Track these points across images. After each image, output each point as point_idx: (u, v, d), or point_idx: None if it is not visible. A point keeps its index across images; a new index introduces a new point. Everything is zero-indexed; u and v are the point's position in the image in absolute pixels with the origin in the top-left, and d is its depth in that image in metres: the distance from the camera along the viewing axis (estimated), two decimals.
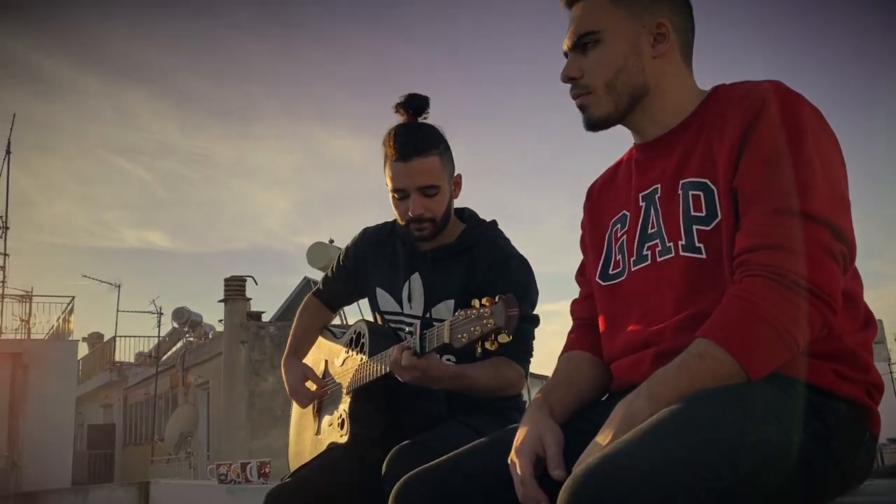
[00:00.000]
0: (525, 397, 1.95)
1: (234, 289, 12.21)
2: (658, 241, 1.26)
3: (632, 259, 1.31)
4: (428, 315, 1.90)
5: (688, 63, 1.34)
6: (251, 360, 11.72)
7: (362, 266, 2.07)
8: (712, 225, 1.18)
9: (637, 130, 1.36)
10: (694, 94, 1.32)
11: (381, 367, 1.78)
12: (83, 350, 22.85)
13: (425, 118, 1.95)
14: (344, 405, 1.92)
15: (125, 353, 20.60)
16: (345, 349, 2.02)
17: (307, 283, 14.21)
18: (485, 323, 1.44)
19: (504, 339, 1.41)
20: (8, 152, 15.65)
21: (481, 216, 2.03)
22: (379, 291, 2.02)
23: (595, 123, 1.32)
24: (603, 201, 1.45)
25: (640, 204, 1.32)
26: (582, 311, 1.47)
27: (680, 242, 1.22)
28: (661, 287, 1.24)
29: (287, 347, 2.16)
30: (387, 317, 2.01)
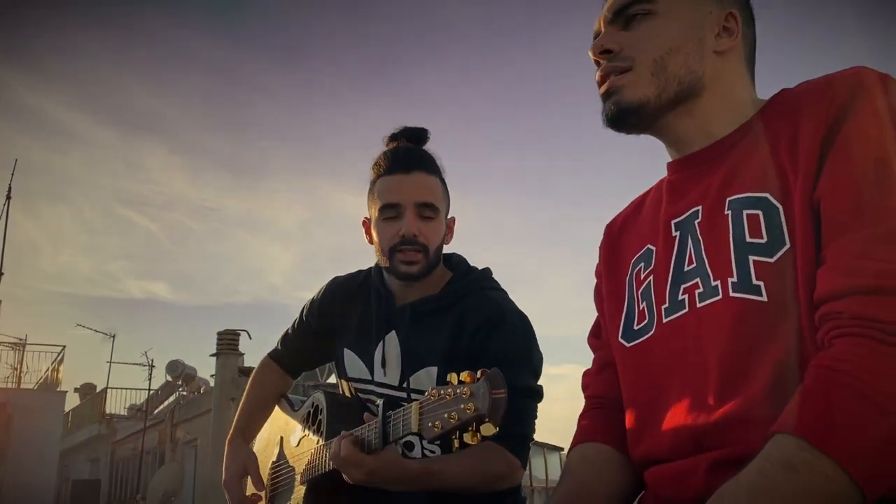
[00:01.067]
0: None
1: (227, 343, 11.80)
2: (698, 279, 0.94)
3: (663, 307, 0.98)
4: (405, 385, 1.55)
5: (751, 71, 1.07)
6: None
7: (328, 322, 1.73)
8: (777, 255, 0.86)
9: (674, 140, 1.06)
10: (752, 104, 1.03)
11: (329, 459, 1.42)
12: (74, 400, 22.35)
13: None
14: (297, 497, 1.55)
15: (118, 405, 20.07)
16: (301, 425, 1.66)
17: None
18: (463, 408, 1.09)
19: (489, 429, 1.07)
20: (8, 198, 15.46)
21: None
22: (347, 354, 1.67)
23: (625, 110, 1.01)
24: (624, 240, 1.14)
25: (673, 234, 1.00)
26: (598, 387, 1.13)
27: (730, 280, 0.90)
28: (705, 345, 0.91)
29: (234, 423, 1.80)
30: (355, 385, 1.66)
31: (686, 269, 0.97)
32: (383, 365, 1.59)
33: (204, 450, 12.38)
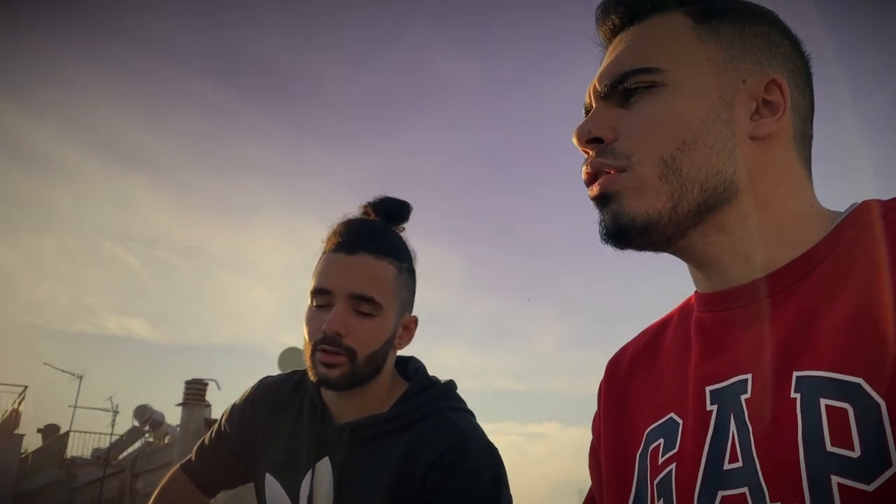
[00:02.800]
0: None
1: (195, 393, 11.31)
2: (746, 490, 0.62)
3: None
4: None
5: (805, 160, 0.75)
6: None
7: (250, 437, 1.38)
8: (879, 481, 0.55)
9: (705, 267, 0.74)
10: (817, 215, 0.72)
11: None
12: (36, 441, 21.53)
13: (399, 230, 1.33)
14: None
15: (82, 447, 19.28)
16: None
17: None
18: None
19: None
20: None
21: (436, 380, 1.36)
22: (269, 482, 1.32)
23: (627, 228, 0.71)
24: (634, 391, 0.81)
25: (709, 407, 0.69)
26: None
27: None
28: None
29: None
30: None
31: (727, 467, 0.64)
32: (310, 501, 1.24)
33: None
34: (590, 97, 0.78)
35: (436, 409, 1.26)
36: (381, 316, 1.23)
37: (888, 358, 0.57)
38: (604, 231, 0.73)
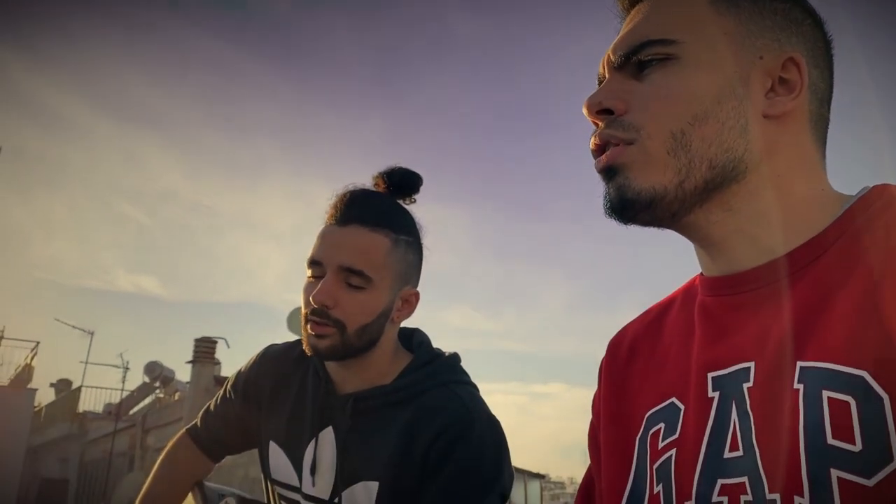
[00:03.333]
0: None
1: (204, 351, 11.44)
2: (746, 479, 0.61)
3: (687, 503, 0.65)
4: (337, 500, 1.21)
5: (819, 142, 0.73)
6: None
7: (254, 405, 1.39)
8: (879, 476, 0.54)
9: (706, 245, 0.73)
10: (828, 198, 0.70)
11: None
12: (49, 396, 21.88)
13: (407, 203, 1.31)
14: None
15: (94, 402, 19.60)
16: None
17: None
18: None
19: None
20: None
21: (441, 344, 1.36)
22: (273, 450, 1.33)
23: (632, 202, 0.69)
24: (635, 373, 0.80)
25: (710, 394, 0.67)
26: None
27: (798, 500, 0.57)
28: None
29: None
30: (279, 491, 1.32)
31: (727, 455, 0.63)
32: (313, 472, 1.24)
33: None
34: (603, 68, 0.75)
35: (439, 382, 1.25)
36: (372, 289, 1.21)
37: (893, 351, 0.56)
38: (608, 204, 0.71)
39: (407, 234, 1.27)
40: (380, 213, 1.25)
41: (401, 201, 1.31)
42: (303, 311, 1.24)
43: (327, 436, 1.25)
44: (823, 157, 0.73)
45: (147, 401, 18.47)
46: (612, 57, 0.73)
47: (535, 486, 15.24)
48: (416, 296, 1.30)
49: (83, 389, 19.27)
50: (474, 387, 1.30)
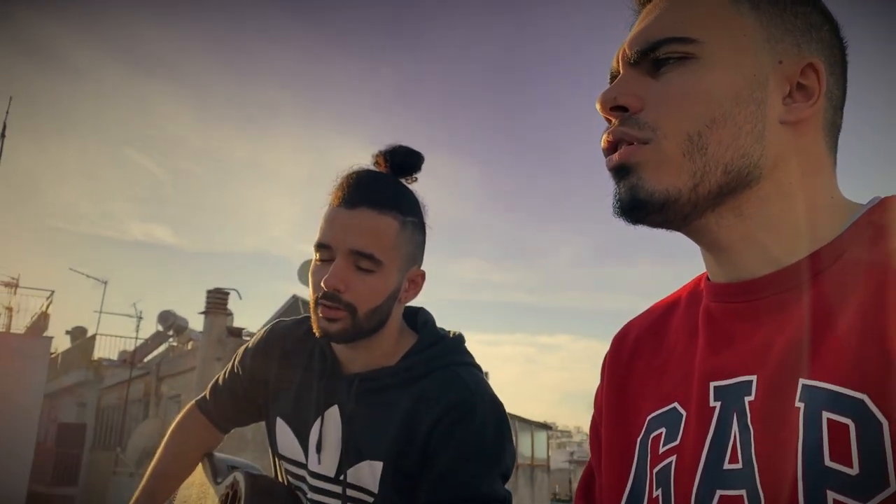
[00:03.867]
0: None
1: (216, 302, 11.55)
2: (744, 493, 0.62)
3: None
4: (342, 478, 1.24)
5: (832, 150, 0.72)
6: None
7: (262, 380, 1.40)
8: (874, 501, 0.54)
9: (718, 253, 0.72)
10: (838, 207, 0.70)
11: None
12: (65, 343, 22.25)
13: (409, 182, 1.31)
14: None
15: (109, 351, 19.92)
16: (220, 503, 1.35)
17: (295, 301, 13.58)
18: None
19: None
20: (2, 136, 15.10)
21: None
22: (280, 427, 1.35)
23: (644, 203, 0.68)
24: (637, 372, 0.80)
25: (712, 403, 0.67)
26: None
27: None
28: None
29: (141, 485, 1.48)
30: (286, 466, 1.34)
31: (727, 466, 0.64)
32: (319, 450, 1.27)
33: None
34: (618, 62, 0.74)
35: (443, 363, 1.27)
36: (382, 272, 1.22)
37: (894, 375, 0.56)
38: (618, 204, 0.69)
39: (413, 215, 1.27)
40: (388, 195, 1.25)
41: (402, 180, 1.30)
42: (312, 294, 1.24)
43: (333, 415, 1.27)
44: (835, 164, 0.72)
45: (161, 349, 18.75)
46: (627, 52, 0.72)
47: (541, 436, 15.46)
48: (423, 276, 1.31)
49: (98, 337, 19.59)
50: (478, 368, 1.31)
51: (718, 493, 0.63)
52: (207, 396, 1.51)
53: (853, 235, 0.66)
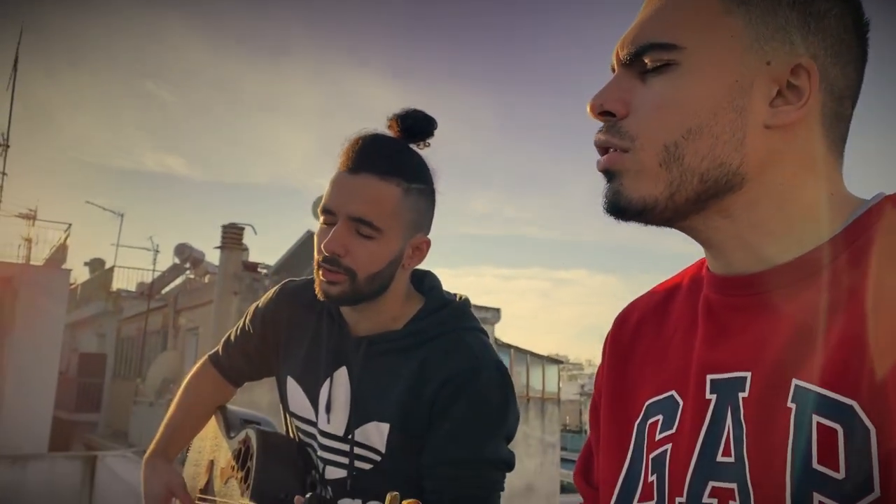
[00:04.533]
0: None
1: (231, 237, 11.65)
2: (735, 486, 0.63)
3: (678, 499, 0.68)
4: (350, 437, 1.27)
5: (834, 143, 0.70)
6: (242, 313, 11.21)
7: (272, 339, 1.43)
8: None
9: (710, 250, 0.73)
10: (838, 204, 0.69)
11: None
12: (84, 275, 22.60)
13: (420, 148, 1.30)
14: None
15: (127, 283, 20.25)
16: (232, 460, 1.39)
17: (309, 236, 13.65)
18: None
19: None
20: (14, 69, 15.03)
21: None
22: (290, 385, 1.38)
23: (623, 209, 0.70)
24: (638, 355, 0.81)
25: (708, 396, 0.69)
26: None
27: None
28: None
29: (156, 437, 1.53)
30: (297, 424, 1.38)
31: (719, 459, 0.65)
32: (328, 410, 1.30)
33: (205, 339, 12.46)
34: (614, 61, 0.74)
35: (449, 329, 1.28)
36: (382, 238, 1.23)
37: (884, 383, 0.56)
38: (605, 204, 0.72)
39: (419, 181, 1.27)
40: (391, 161, 1.24)
41: (414, 146, 1.30)
42: (315, 257, 1.26)
43: (341, 376, 1.30)
44: (839, 157, 0.70)
45: (178, 281, 19.02)
46: (620, 51, 0.72)
47: (552, 370, 15.69)
48: (427, 243, 1.31)
49: (116, 269, 19.87)
50: (483, 332, 1.33)
51: (711, 484, 0.65)
52: (220, 352, 1.54)
53: (851, 235, 0.66)
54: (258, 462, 1.29)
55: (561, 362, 18.04)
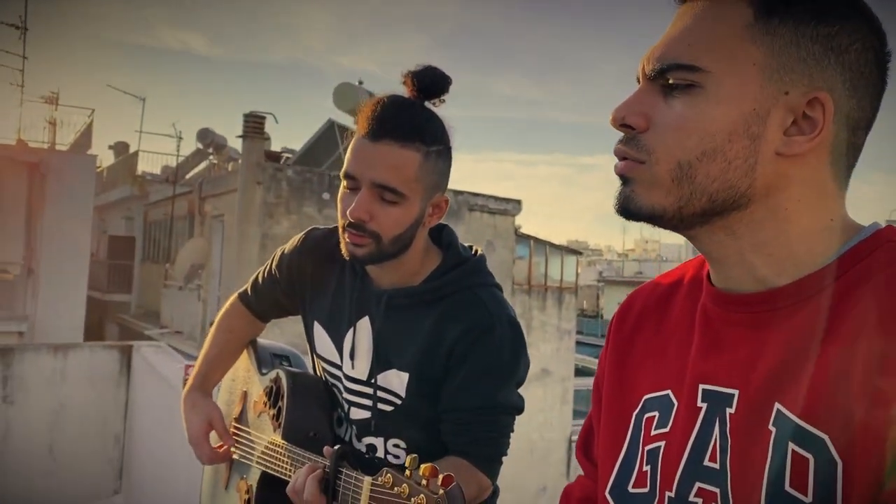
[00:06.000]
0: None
1: (253, 126, 11.62)
2: (718, 491, 0.72)
3: (667, 493, 0.77)
4: (373, 381, 1.38)
5: (840, 172, 0.74)
6: (266, 203, 11.35)
7: (298, 285, 1.53)
8: None
9: (710, 262, 0.79)
10: (837, 232, 0.73)
11: (290, 471, 1.31)
12: (108, 159, 22.79)
13: (435, 105, 1.34)
14: (253, 479, 1.45)
15: (151, 168, 20.44)
16: (263, 396, 1.52)
17: (331, 125, 13.60)
18: None
19: None
20: None
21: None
22: (317, 329, 1.49)
23: (633, 213, 0.76)
24: (639, 346, 0.88)
25: (699, 404, 0.76)
26: None
27: None
28: None
29: (194, 371, 1.65)
30: (323, 365, 1.49)
31: (706, 463, 0.73)
32: (352, 357, 1.41)
33: (230, 227, 12.69)
34: (640, 71, 0.76)
35: (465, 285, 1.36)
36: (405, 203, 1.29)
37: (855, 420, 0.62)
38: (616, 205, 0.77)
39: (437, 143, 1.32)
40: (411, 127, 1.29)
41: (429, 104, 1.34)
42: (340, 220, 1.33)
43: (364, 325, 1.40)
44: (844, 185, 0.74)
45: (202, 166, 19.15)
46: (646, 63, 0.75)
47: (571, 260, 15.89)
48: (446, 201, 1.38)
49: (140, 154, 20.02)
50: (498, 288, 1.41)
51: (697, 484, 0.74)
52: (249, 292, 1.64)
53: (844, 265, 0.70)
54: (289, 402, 1.41)
55: (580, 253, 18.22)
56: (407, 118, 1.30)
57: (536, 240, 14.96)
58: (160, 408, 4.71)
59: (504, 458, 1.36)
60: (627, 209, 0.75)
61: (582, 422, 1.02)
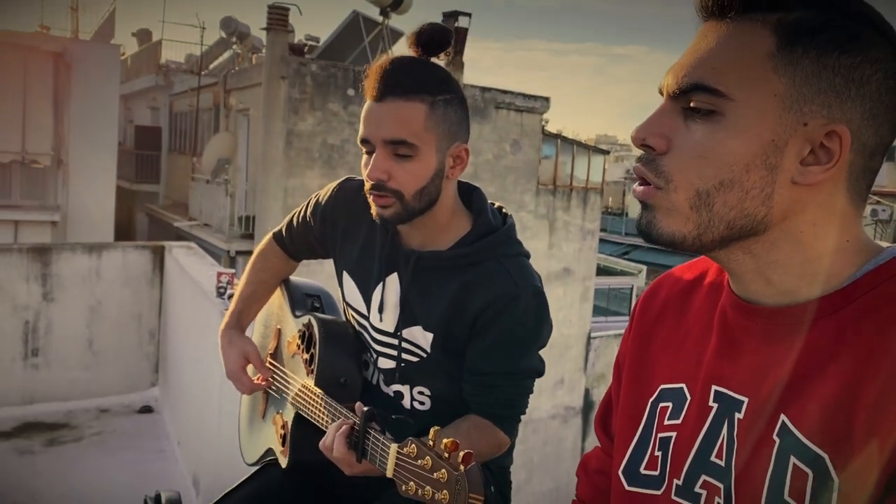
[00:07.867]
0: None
1: (277, 18, 11.38)
2: (722, 486, 0.78)
3: (675, 481, 0.83)
4: (399, 334, 1.45)
5: (857, 195, 0.75)
6: (291, 98, 11.26)
7: (331, 234, 1.58)
8: None
9: (733, 276, 0.81)
10: (854, 252, 0.75)
11: (322, 418, 1.40)
12: (132, 47, 22.52)
13: (442, 59, 1.36)
14: (289, 416, 1.55)
15: (175, 56, 20.21)
16: (297, 338, 1.60)
17: (355, 17, 13.26)
18: (437, 497, 1.01)
19: None
20: None
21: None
22: (346, 280, 1.55)
23: (654, 239, 0.78)
24: (659, 337, 0.93)
25: (710, 403, 0.81)
26: (587, 490, 1.05)
27: None
28: None
29: (230, 309, 1.73)
30: (353, 314, 1.56)
31: (713, 458, 0.79)
32: (381, 310, 1.47)
33: (255, 121, 12.66)
34: (664, 86, 0.77)
35: (492, 255, 1.39)
36: (420, 155, 1.32)
37: (854, 442, 0.66)
38: (639, 229, 0.79)
39: (443, 92, 1.33)
40: (413, 80, 1.31)
41: (435, 59, 1.35)
42: (365, 185, 1.36)
43: (392, 281, 1.45)
44: (860, 206, 0.75)
45: (226, 55, 18.90)
46: (670, 82, 0.75)
47: (598, 160, 15.72)
48: (467, 151, 1.40)
49: (164, 43, 19.75)
50: (525, 255, 1.44)
51: (703, 477, 0.80)
52: (283, 233, 1.69)
53: (858, 289, 0.72)
54: (321, 350, 1.48)
55: (607, 152, 17.97)
56: (407, 73, 1.32)
57: (563, 139, 14.77)
58: (192, 308, 4.88)
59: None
60: (649, 235, 0.78)
61: (601, 319, 1.07)
